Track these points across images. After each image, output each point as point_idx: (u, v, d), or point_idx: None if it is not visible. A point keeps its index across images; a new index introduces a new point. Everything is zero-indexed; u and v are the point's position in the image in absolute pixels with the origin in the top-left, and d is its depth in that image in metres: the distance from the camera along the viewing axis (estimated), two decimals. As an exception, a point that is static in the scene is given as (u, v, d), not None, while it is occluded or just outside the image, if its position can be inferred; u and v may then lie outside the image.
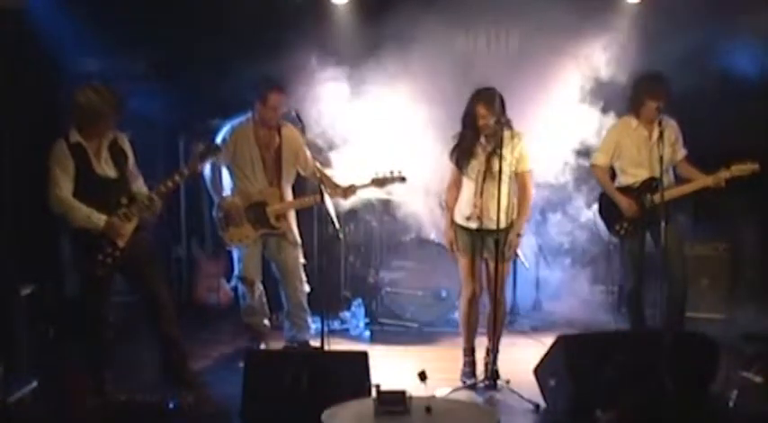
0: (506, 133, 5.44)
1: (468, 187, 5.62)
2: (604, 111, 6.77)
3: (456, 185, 5.69)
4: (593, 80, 6.87)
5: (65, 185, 5.17)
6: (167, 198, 5.43)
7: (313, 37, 7.29)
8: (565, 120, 6.92)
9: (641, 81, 6.11)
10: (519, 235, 5.64)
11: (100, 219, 5.19)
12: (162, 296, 5.54)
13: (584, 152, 6.81)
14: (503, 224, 5.41)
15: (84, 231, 5.21)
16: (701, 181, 6.04)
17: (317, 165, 6.36)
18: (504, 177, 5.46)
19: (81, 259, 5.31)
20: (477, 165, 5.55)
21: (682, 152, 6.17)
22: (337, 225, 6.06)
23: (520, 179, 5.61)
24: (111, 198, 5.27)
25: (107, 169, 5.30)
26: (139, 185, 5.44)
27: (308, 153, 6.19)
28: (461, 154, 5.61)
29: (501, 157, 5.42)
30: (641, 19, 7.06)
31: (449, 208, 5.74)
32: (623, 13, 7.13)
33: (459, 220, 5.65)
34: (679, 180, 6.17)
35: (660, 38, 6.77)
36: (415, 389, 4.24)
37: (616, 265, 7.12)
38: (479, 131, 5.53)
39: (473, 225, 5.59)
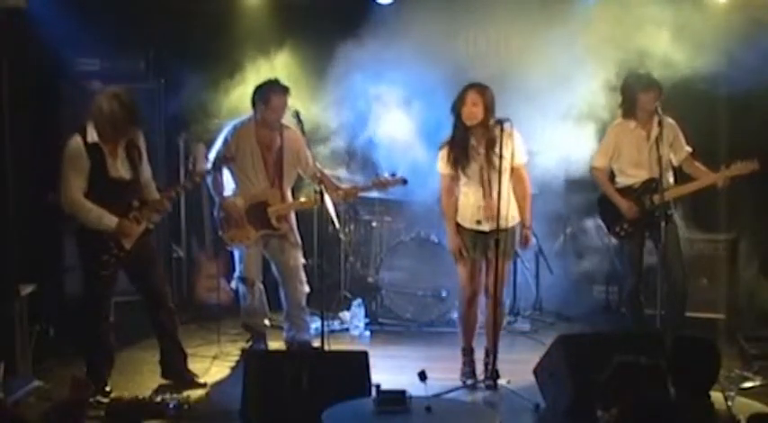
0: (498, 132, 5.41)
1: (470, 192, 5.58)
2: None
3: (451, 191, 5.63)
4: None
5: (78, 186, 5.16)
6: (174, 203, 5.48)
7: (313, 36, 7.31)
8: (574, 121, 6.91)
9: (631, 79, 6.12)
10: (529, 228, 5.69)
11: (112, 220, 5.20)
12: (164, 296, 5.57)
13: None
14: (512, 222, 5.50)
15: (91, 231, 5.22)
16: (702, 181, 6.05)
17: (318, 166, 6.36)
18: (506, 175, 5.47)
19: (87, 259, 5.32)
20: (476, 167, 5.54)
21: (685, 150, 6.16)
22: (337, 225, 6.07)
23: (517, 173, 5.61)
24: (123, 200, 5.28)
25: (122, 170, 5.30)
26: (152, 191, 5.47)
27: (309, 154, 6.20)
28: (458, 155, 5.54)
29: (501, 157, 5.42)
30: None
31: (449, 216, 5.67)
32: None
33: (468, 224, 5.60)
34: (685, 178, 6.16)
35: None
36: (415, 389, 4.24)
37: (616, 265, 7.11)
38: (468, 129, 5.50)
39: (486, 228, 5.55)
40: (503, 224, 5.39)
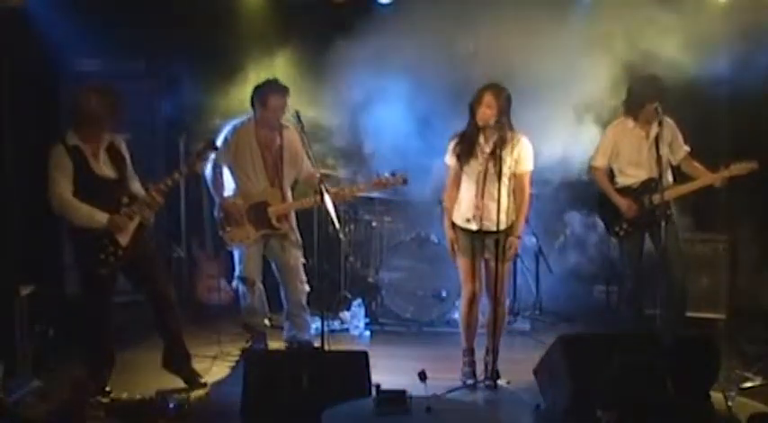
0: (507, 134, 5.46)
1: (467, 188, 5.61)
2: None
3: (455, 185, 5.67)
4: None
5: (65, 186, 5.18)
6: (167, 197, 5.45)
7: (313, 36, 7.31)
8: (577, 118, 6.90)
9: (639, 83, 6.11)
10: (518, 237, 5.63)
11: (103, 217, 5.21)
12: (167, 294, 5.56)
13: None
14: (502, 226, 5.41)
15: (86, 231, 5.23)
16: (701, 180, 6.05)
17: (315, 167, 6.35)
18: (504, 179, 5.47)
19: (83, 259, 5.32)
20: (476, 165, 5.55)
21: (683, 150, 6.16)
22: (337, 225, 6.06)
23: (518, 180, 5.58)
24: (112, 198, 5.28)
25: (106, 170, 5.32)
26: (137, 187, 5.46)
27: (310, 153, 6.19)
28: (463, 150, 5.58)
29: (500, 159, 5.43)
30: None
31: (448, 208, 5.72)
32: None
33: (459, 221, 5.64)
34: (684, 178, 6.17)
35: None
36: (415, 389, 4.24)
37: (616, 264, 7.11)
38: (480, 128, 5.52)
39: (473, 227, 5.58)
40: (493, 227, 5.39)
